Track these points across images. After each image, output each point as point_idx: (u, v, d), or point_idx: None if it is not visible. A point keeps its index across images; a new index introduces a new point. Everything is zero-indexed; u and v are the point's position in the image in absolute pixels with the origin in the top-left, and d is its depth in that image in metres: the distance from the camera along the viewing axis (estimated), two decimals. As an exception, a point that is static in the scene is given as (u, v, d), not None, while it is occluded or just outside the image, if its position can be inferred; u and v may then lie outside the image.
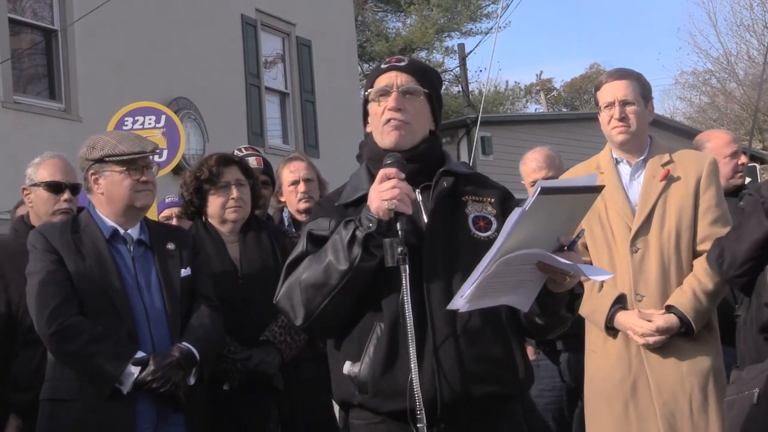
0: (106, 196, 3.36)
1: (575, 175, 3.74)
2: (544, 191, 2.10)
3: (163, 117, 6.78)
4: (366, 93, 2.57)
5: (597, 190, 2.23)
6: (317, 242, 2.46)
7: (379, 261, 2.34)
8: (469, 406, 2.36)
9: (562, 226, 2.25)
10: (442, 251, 2.42)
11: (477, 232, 2.47)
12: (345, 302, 2.39)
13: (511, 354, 2.44)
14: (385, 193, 2.32)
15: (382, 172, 2.38)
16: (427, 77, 2.58)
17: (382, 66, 2.56)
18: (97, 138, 3.40)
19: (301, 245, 2.48)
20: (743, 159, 4.50)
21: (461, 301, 2.23)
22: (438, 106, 2.59)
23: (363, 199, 2.48)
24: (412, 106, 2.50)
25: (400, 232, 2.30)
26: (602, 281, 3.52)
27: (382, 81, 2.52)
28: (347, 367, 2.41)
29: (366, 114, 2.59)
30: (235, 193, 3.75)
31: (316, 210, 2.59)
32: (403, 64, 2.55)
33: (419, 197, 2.45)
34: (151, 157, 3.36)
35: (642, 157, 3.63)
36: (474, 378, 2.36)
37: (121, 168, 3.31)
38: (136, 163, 3.30)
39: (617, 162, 3.67)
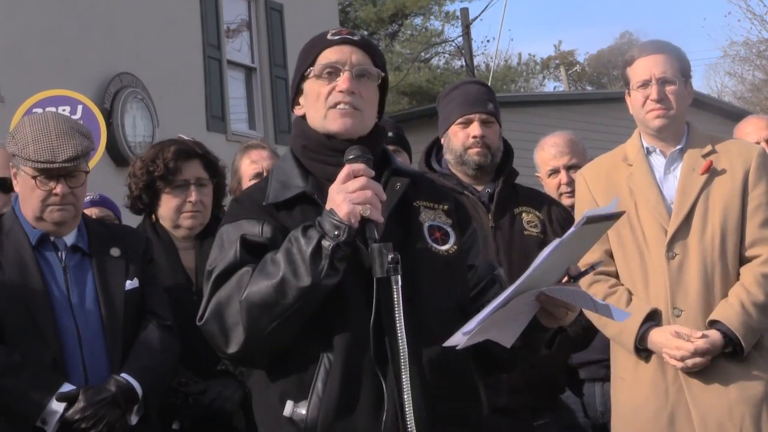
0: (21, 199, 3.36)
1: (598, 169, 3.79)
2: (590, 220, 2.18)
3: (80, 107, 6.81)
4: (305, 69, 2.53)
5: (617, 217, 2.31)
6: (252, 250, 2.41)
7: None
8: None
9: (573, 254, 2.34)
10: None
11: (434, 245, 2.49)
12: (295, 326, 2.35)
13: (476, 390, 2.49)
14: (355, 195, 2.30)
15: (348, 169, 2.35)
16: (381, 59, 2.58)
17: (330, 37, 2.53)
18: (20, 124, 3.37)
19: (233, 253, 2.41)
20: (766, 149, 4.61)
21: (462, 338, 2.27)
22: (384, 98, 2.60)
23: (297, 200, 2.47)
24: (365, 89, 2.51)
25: (369, 242, 2.30)
26: (629, 293, 3.56)
27: (330, 55, 2.50)
28: (289, 409, 2.37)
29: (298, 93, 2.57)
30: (194, 195, 3.74)
31: (236, 210, 2.53)
32: (356, 37, 2.53)
33: None
34: (77, 164, 3.26)
35: (679, 147, 3.65)
36: (441, 417, 2.37)
37: (30, 173, 3.27)
38: (48, 171, 3.25)
39: (649, 152, 3.69)
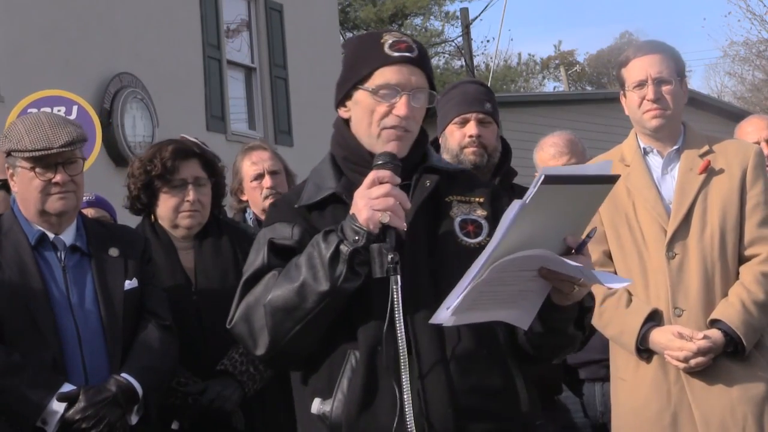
0: (20, 197, 3.37)
1: None
2: (548, 180, 2.10)
3: (75, 108, 6.81)
4: (358, 79, 2.51)
5: (611, 180, 2.23)
6: (280, 254, 2.46)
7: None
8: None
9: (569, 224, 2.26)
10: (425, 262, 2.44)
11: (465, 239, 2.50)
12: (318, 329, 2.40)
13: (512, 383, 2.47)
14: (376, 201, 2.32)
15: (372, 175, 2.37)
16: (430, 68, 2.58)
17: (389, 51, 2.49)
18: (12, 124, 3.39)
19: (261, 257, 2.47)
20: (766, 149, 4.63)
21: (446, 313, 2.24)
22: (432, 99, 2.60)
23: (329, 201, 2.50)
24: (418, 111, 2.51)
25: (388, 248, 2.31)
26: (629, 294, 3.55)
27: (390, 75, 2.47)
28: (316, 406, 2.41)
29: (346, 96, 2.57)
30: (191, 194, 3.73)
31: (272, 213, 2.58)
32: (415, 55, 2.50)
33: None
34: (74, 150, 3.31)
35: (675, 147, 3.66)
36: (467, 414, 2.38)
37: (28, 165, 3.29)
38: (46, 159, 3.27)
39: (646, 152, 3.69)
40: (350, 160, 2.55)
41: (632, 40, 38.31)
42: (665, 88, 3.60)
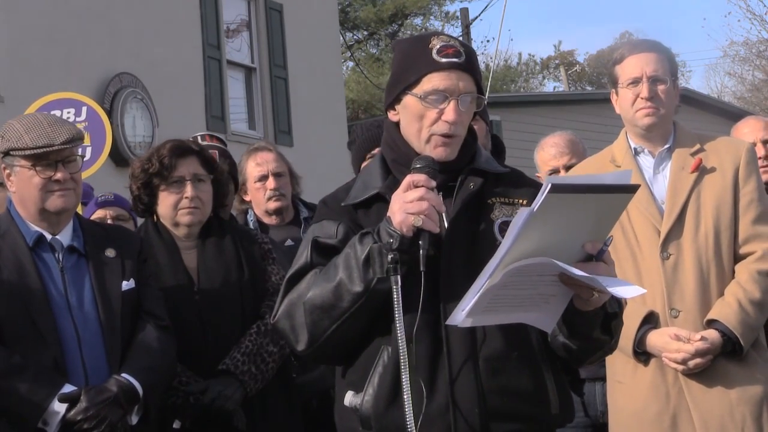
0: (18, 196, 3.37)
1: (584, 171, 3.77)
2: (555, 189, 2.12)
3: (84, 109, 6.81)
4: (407, 84, 2.53)
5: (629, 189, 2.24)
6: (323, 252, 2.50)
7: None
8: None
9: (587, 232, 2.27)
10: (462, 263, 2.46)
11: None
12: (356, 327, 2.45)
13: (542, 385, 2.49)
14: (410, 205, 2.35)
15: (409, 179, 2.41)
16: (479, 71, 2.60)
17: (437, 57, 2.51)
18: (8, 125, 3.39)
19: (305, 255, 2.53)
20: (761, 150, 4.64)
21: (461, 315, 2.27)
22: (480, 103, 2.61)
23: (375, 199, 2.54)
24: (465, 115, 2.54)
25: (422, 251, 2.34)
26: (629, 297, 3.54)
27: (438, 82, 2.50)
28: (349, 398, 2.47)
29: (395, 100, 2.59)
30: (190, 191, 3.74)
31: (321, 211, 2.63)
32: (462, 60, 2.52)
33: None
34: (74, 148, 3.33)
35: (667, 146, 3.65)
36: (495, 414, 2.42)
37: (28, 163, 3.29)
38: (47, 158, 3.28)
39: (636, 153, 3.69)
40: (399, 162, 2.58)
41: (631, 40, 38.28)
42: (660, 87, 3.59)
